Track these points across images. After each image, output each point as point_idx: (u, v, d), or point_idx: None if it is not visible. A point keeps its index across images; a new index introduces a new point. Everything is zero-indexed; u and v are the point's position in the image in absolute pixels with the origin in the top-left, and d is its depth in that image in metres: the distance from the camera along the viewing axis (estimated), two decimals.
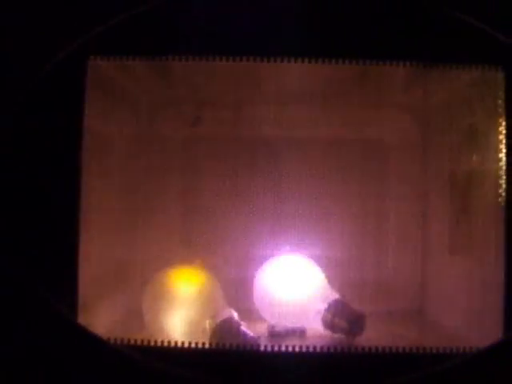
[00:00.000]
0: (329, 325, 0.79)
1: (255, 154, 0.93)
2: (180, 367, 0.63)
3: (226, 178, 0.92)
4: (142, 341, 0.66)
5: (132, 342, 0.65)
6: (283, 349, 0.65)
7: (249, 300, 0.85)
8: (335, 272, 0.85)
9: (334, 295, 0.81)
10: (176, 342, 0.66)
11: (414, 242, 0.97)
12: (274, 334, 0.80)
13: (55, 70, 0.64)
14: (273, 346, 0.65)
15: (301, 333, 0.80)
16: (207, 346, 0.67)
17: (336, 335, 0.79)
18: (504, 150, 0.67)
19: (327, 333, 0.79)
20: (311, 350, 0.65)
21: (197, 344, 0.66)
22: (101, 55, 0.66)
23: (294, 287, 0.84)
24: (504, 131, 0.67)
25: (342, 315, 0.79)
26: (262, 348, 0.66)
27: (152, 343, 0.66)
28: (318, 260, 0.86)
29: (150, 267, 0.85)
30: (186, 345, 0.66)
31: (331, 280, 0.84)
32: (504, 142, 0.67)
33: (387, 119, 0.96)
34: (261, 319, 0.84)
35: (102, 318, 0.74)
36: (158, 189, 0.94)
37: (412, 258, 0.97)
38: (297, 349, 0.65)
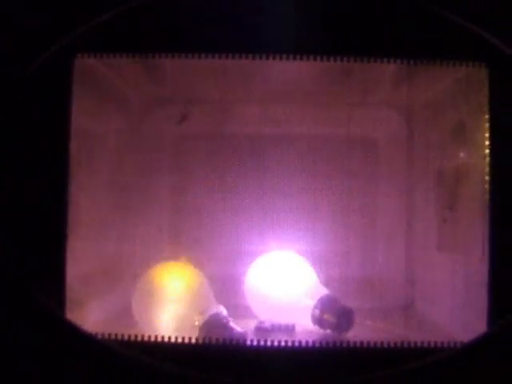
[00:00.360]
0: (317, 320, 0.80)
1: (242, 152, 0.93)
2: (169, 362, 0.63)
3: (213, 175, 0.92)
4: (131, 336, 0.66)
5: (121, 337, 0.65)
6: (270, 344, 0.65)
7: (237, 296, 0.86)
8: (322, 268, 0.85)
9: (324, 291, 0.82)
10: (164, 337, 0.66)
11: (400, 238, 0.98)
12: (261, 330, 0.80)
13: (42, 68, 0.64)
14: (260, 341, 0.66)
15: (289, 329, 0.80)
16: (196, 341, 0.67)
17: (325, 331, 0.79)
18: (488, 147, 0.68)
19: (316, 329, 0.80)
20: (297, 344, 0.66)
21: (185, 339, 0.66)
22: (88, 53, 0.66)
23: (283, 283, 0.84)
24: (488, 128, 0.68)
25: (331, 311, 0.79)
26: (250, 343, 0.66)
27: (141, 338, 0.66)
28: (306, 256, 0.87)
29: (139, 264, 0.85)
30: (174, 340, 0.66)
31: (319, 276, 0.85)
32: (488, 139, 0.67)
33: (373, 116, 0.97)
34: (249, 315, 0.84)
35: (91, 315, 0.75)
36: (146, 186, 0.95)
37: (399, 255, 0.97)
38: (283, 344, 0.65)
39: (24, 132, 0.65)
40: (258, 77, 0.83)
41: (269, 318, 0.82)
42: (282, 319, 0.81)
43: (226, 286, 0.83)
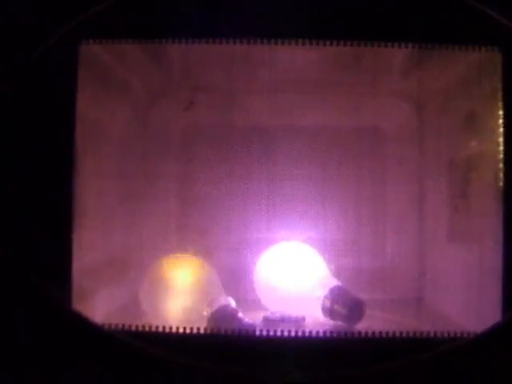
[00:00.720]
0: (328, 312, 0.79)
1: (251, 141, 0.92)
2: (177, 353, 0.62)
3: (221, 164, 0.92)
4: (138, 326, 0.65)
5: (128, 327, 0.65)
6: (280, 334, 0.65)
7: (247, 288, 0.85)
8: (332, 259, 0.85)
9: (334, 282, 0.81)
10: (172, 328, 0.65)
11: (412, 228, 0.96)
12: (269, 321, 0.79)
13: (47, 55, 0.63)
14: (269, 332, 0.65)
15: (299, 321, 0.79)
16: (204, 331, 0.67)
17: (335, 322, 0.78)
18: (502, 134, 0.66)
19: (326, 320, 0.79)
20: (307, 335, 0.65)
21: (193, 330, 0.66)
22: (93, 39, 0.65)
23: (293, 274, 0.83)
24: (502, 114, 0.66)
25: (342, 302, 0.78)
26: (259, 333, 0.66)
27: (148, 329, 0.65)
28: (316, 246, 0.86)
29: (146, 254, 0.85)
30: (182, 330, 0.65)
31: (329, 267, 0.84)
32: (502, 125, 0.66)
33: (384, 106, 0.95)
34: (258, 307, 0.84)
35: (99, 306, 0.74)
36: (153, 175, 0.94)
37: (410, 245, 0.96)
38: (293, 334, 0.65)
39: (28, 120, 0.64)
40: (267, 65, 0.82)
41: (278, 309, 0.81)
42: (292, 311, 0.80)
43: (235, 278, 0.83)
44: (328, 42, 0.65)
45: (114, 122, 0.87)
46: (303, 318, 0.79)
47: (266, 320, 0.78)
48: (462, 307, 0.79)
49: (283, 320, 0.78)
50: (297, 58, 0.81)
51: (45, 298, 0.62)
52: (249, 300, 0.83)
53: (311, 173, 0.92)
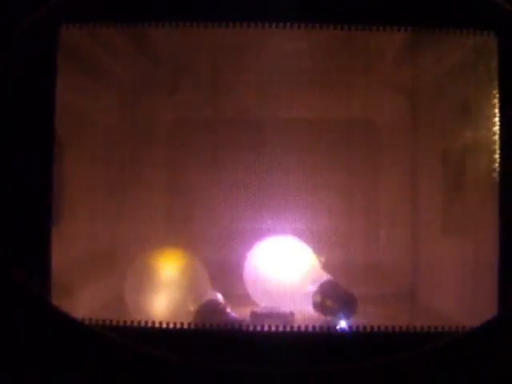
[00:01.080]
0: (319, 307, 0.77)
1: (239, 130, 0.91)
2: (163, 348, 0.61)
3: (210, 154, 0.90)
4: (120, 321, 0.63)
5: (112, 323, 0.63)
6: (268, 329, 0.63)
7: (235, 281, 0.84)
8: (324, 253, 0.83)
9: (325, 276, 0.80)
10: (158, 323, 0.64)
11: (405, 221, 0.95)
12: (256, 315, 0.77)
13: (25, 38, 0.61)
14: (256, 327, 0.64)
15: (288, 316, 0.77)
16: (190, 326, 0.65)
17: (327, 318, 0.77)
18: (498, 122, 0.65)
19: (318, 315, 0.77)
20: (297, 330, 0.63)
21: (179, 325, 0.64)
22: (74, 22, 0.63)
23: (284, 269, 0.82)
24: (498, 102, 0.65)
25: (333, 297, 0.77)
26: (247, 328, 0.65)
27: (134, 324, 0.64)
28: (307, 241, 0.85)
29: (133, 247, 0.83)
30: (168, 325, 0.64)
31: (320, 261, 0.83)
32: (498, 113, 0.65)
33: (377, 96, 0.94)
34: (247, 302, 0.82)
35: (82, 301, 0.73)
36: (140, 165, 0.92)
37: (403, 238, 0.95)
38: (282, 329, 0.63)
39: (5, 104, 0.62)
40: (255, 53, 0.81)
41: (268, 304, 0.80)
42: (282, 306, 0.79)
43: (223, 272, 0.81)
44: (318, 26, 0.63)
45: (99, 109, 0.85)
46: (292, 314, 0.77)
47: (254, 315, 0.77)
48: (456, 301, 0.78)
49: (271, 315, 0.77)
50: (286, 47, 0.80)
51: (23, 292, 0.60)
52: (237, 295, 0.82)
53: (302, 164, 0.90)
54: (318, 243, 0.85)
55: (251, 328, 0.64)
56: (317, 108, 0.93)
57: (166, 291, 0.74)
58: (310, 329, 0.63)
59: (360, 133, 0.95)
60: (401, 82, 0.94)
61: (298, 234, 0.86)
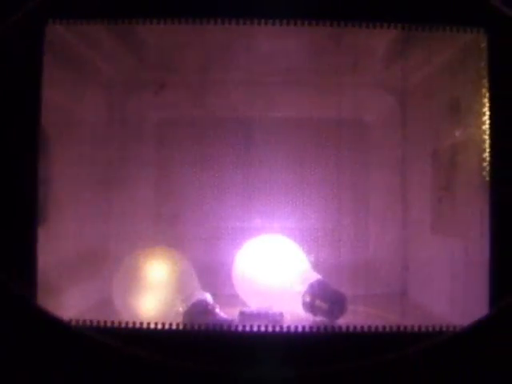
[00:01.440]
0: (309, 307, 0.77)
1: (228, 129, 0.91)
2: (151, 349, 0.60)
3: (198, 152, 0.90)
4: (108, 322, 0.63)
5: (97, 323, 0.62)
6: (257, 330, 0.63)
7: (224, 282, 0.84)
8: (313, 252, 0.83)
9: (315, 276, 0.79)
10: (146, 324, 0.63)
11: (394, 220, 0.95)
12: (245, 316, 0.77)
13: (10, 35, 0.60)
14: (245, 327, 0.63)
15: (277, 316, 0.77)
16: (179, 327, 0.65)
17: (316, 318, 0.76)
18: (488, 121, 0.65)
19: (308, 315, 0.77)
20: (287, 330, 0.63)
21: (166, 325, 0.63)
22: (60, 19, 0.62)
23: (273, 269, 0.82)
24: (487, 101, 0.65)
25: (323, 297, 0.76)
26: (236, 329, 0.64)
27: (121, 325, 0.63)
28: (297, 240, 0.84)
29: (120, 246, 0.83)
30: (156, 326, 0.63)
31: (310, 261, 0.82)
32: (488, 112, 0.64)
33: (366, 95, 0.94)
34: (236, 302, 0.82)
35: (69, 301, 0.72)
36: (128, 164, 0.91)
37: (393, 237, 0.95)
38: (271, 330, 0.63)
39: None
40: (244, 51, 0.80)
41: (258, 304, 0.79)
42: (272, 306, 0.78)
43: (211, 272, 0.81)
44: (307, 23, 0.63)
45: (86, 108, 0.84)
46: (281, 314, 0.77)
47: (243, 315, 0.76)
48: (446, 301, 0.78)
49: (260, 316, 0.76)
50: (275, 45, 0.79)
51: (8, 292, 0.60)
52: (226, 295, 0.81)
53: (290, 162, 0.90)
54: (307, 242, 0.84)
55: (240, 328, 0.63)
56: (306, 107, 0.93)
57: (154, 291, 0.74)
58: (300, 329, 0.63)
59: (349, 132, 0.94)
60: (390, 80, 0.94)
61: (287, 233, 0.86)
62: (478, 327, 0.61)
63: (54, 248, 0.68)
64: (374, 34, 0.66)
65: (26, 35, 0.61)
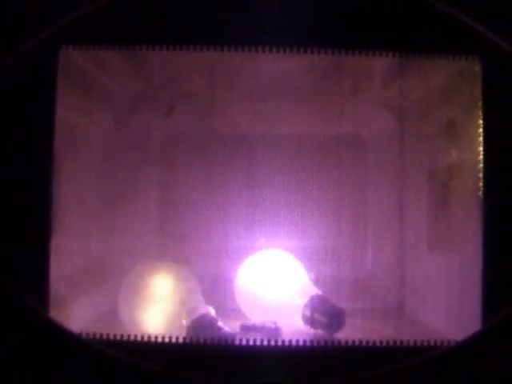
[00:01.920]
0: (308, 320, 0.78)
1: (231, 147, 0.92)
2: (156, 362, 0.61)
3: (201, 170, 0.91)
4: (117, 335, 0.64)
5: (106, 336, 0.64)
6: (259, 343, 0.64)
7: (226, 296, 0.85)
8: (313, 267, 0.84)
9: (314, 290, 0.81)
10: (151, 337, 0.65)
11: (392, 237, 0.96)
12: (245, 329, 0.78)
13: (26, 60, 0.62)
14: (248, 341, 0.64)
15: (275, 330, 0.78)
16: (183, 340, 0.66)
17: (316, 331, 0.78)
18: (482, 143, 0.67)
19: (307, 329, 0.78)
20: (287, 344, 0.64)
21: (172, 338, 0.65)
22: (73, 45, 0.64)
23: (274, 283, 0.83)
24: (482, 123, 0.67)
25: (322, 311, 0.78)
26: (238, 342, 0.65)
27: (127, 338, 0.65)
28: (297, 255, 0.86)
29: (126, 261, 0.84)
30: (161, 339, 0.65)
31: (310, 275, 0.84)
32: (482, 134, 0.66)
33: (365, 114, 0.95)
34: (238, 316, 0.83)
35: (77, 314, 0.73)
36: (134, 182, 0.93)
37: (390, 254, 0.96)
38: (273, 343, 0.64)
39: (7, 124, 0.63)
40: (247, 73, 0.82)
41: (259, 318, 0.81)
42: (272, 319, 0.80)
43: (214, 286, 0.82)
44: (309, 51, 0.65)
45: (94, 127, 0.86)
46: (279, 328, 0.78)
47: (244, 328, 0.78)
48: (442, 316, 0.79)
49: (258, 329, 0.77)
50: (278, 67, 0.81)
51: (21, 305, 0.61)
52: (229, 309, 0.82)
53: (291, 180, 0.91)
54: (307, 258, 0.86)
55: (242, 342, 0.65)
56: (307, 126, 0.94)
57: (158, 305, 0.75)
58: (299, 343, 0.65)
59: (349, 150, 0.95)
60: (389, 101, 0.96)
61: (289, 249, 0.87)
62: (471, 342, 0.63)
63: (63, 262, 0.69)
64: (374, 59, 0.68)
65: (41, 59, 0.63)
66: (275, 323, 0.78)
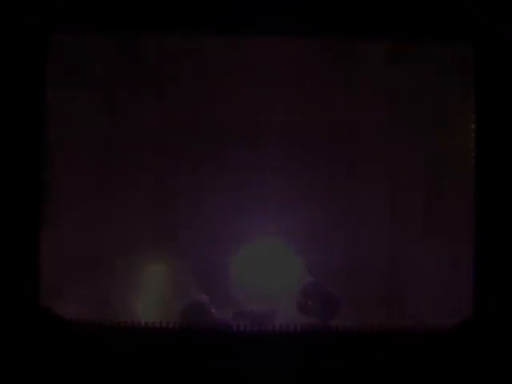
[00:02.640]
0: (303, 308, 0.79)
1: (225, 134, 0.91)
2: (148, 348, 0.62)
3: (196, 158, 0.91)
4: (110, 322, 0.65)
5: (100, 323, 0.64)
6: (252, 329, 0.65)
7: (220, 283, 0.84)
8: (306, 256, 0.84)
9: (309, 278, 0.81)
10: (143, 323, 0.65)
11: (384, 224, 0.95)
12: (239, 316, 0.78)
13: (16, 45, 0.62)
14: (240, 327, 0.65)
15: (270, 314, 0.78)
16: (176, 326, 0.67)
17: (310, 318, 0.78)
18: (474, 130, 0.67)
19: (301, 316, 0.78)
20: (279, 329, 0.65)
21: (164, 324, 0.66)
22: (64, 30, 0.64)
23: (268, 271, 0.83)
24: (474, 111, 0.67)
25: (316, 298, 0.78)
26: (231, 328, 0.66)
27: (120, 324, 0.65)
28: (291, 243, 0.86)
29: (120, 250, 0.83)
30: (153, 325, 0.65)
31: (305, 263, 0.83)
32: (474, 121, 0.67)
33: (358, 102, 0.95)
34: (232, 303, 0.81)
35: (70, 301, 0.73)
36: (128, 170, 0.92)
37: (382, 241, 0.95)
38: (265, 329, 0.65)
39: None
40: (244, 61, 0.82)
41: (253, 305, 0.81)
42: (266, 307, 0.80)
43: (209, 273, 0.82)
44: (301, 37, 0.65)
45: (86, 115, 0.86)
46: (274, 311, 0.78)
47: (237, 315, 0.78)
48: (433, 303, 0.79)
49: (254, 315, 0.78)
50: (272, 54, 0.81)
51: (12, 293, 0.62)
52: (222, 295, 0.82)
53: (285, 167, 0.91)
54: (301, 246, 0.85)
55: (234, 328, 0.65)
56: (299, 114, 0.94)
57: (152, 292, 0.76)
58: (292, 329, 0.65)
59: (342, 138, 0.95)
60: (382, 88, 0.95)
61: (282, 237, 0.87)
62: (461, 329, 0.63)
63: (54, 251, 0.69)
64: (368, 47, 0.68)
65: (31, 45, 0.63)
66: (269, 310, 0.78)
